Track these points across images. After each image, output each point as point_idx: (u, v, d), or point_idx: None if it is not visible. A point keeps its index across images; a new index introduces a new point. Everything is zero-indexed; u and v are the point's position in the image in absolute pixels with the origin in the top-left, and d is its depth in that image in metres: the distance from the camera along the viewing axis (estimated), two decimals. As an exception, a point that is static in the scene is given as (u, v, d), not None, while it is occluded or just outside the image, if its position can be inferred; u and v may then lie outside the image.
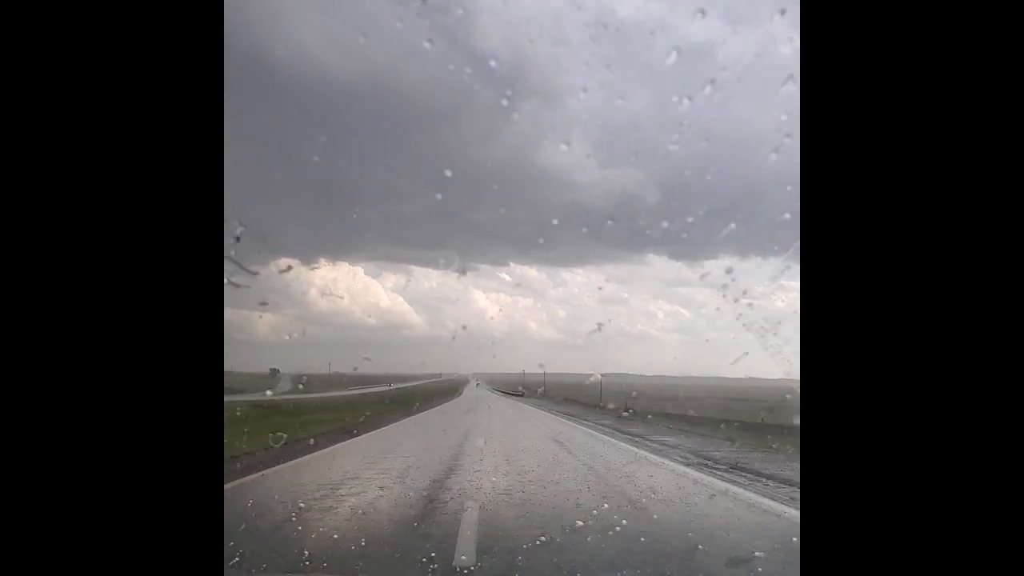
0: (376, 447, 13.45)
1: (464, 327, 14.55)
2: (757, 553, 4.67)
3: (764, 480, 8.50)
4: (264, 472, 8.74)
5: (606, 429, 18.45)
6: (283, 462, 10.03)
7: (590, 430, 18.54)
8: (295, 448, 11.94)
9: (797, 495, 5.81)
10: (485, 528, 5.43)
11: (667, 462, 10.69)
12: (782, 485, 7.98)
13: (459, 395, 56.18)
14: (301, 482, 8.21)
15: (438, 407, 34.46)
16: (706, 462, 10.55)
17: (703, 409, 26.77)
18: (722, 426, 16.78)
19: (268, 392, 39.20)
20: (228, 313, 1.61)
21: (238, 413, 16.69)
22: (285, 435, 13.06)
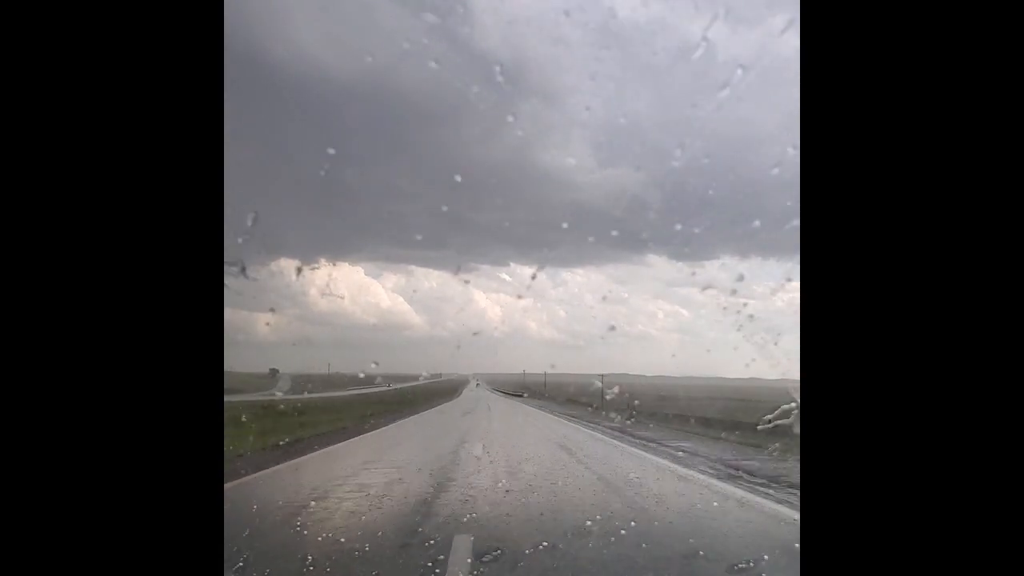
0: (360, 456, 11.91)
1: (475, 333, 13.41)
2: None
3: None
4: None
5: (615, 433, 16.92)
6: (246, 474, 8.54)
7: (599, 434, 17.00)
8: (265, 457, 10.46)
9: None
10: (481, 574, 3.96)
11: (695, 474, 9.16)
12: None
13: (458, 396, 54.89)
14: (253, 503, 6.69)
15: (436, 407, 33.63)
16: (739, 474, 9.02)
17: (711, 411, 25.43)
18: (737, 432, 15.22)
19: (272, 393, 37.79)
20: (228, 313, 1.58)
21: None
22: (251, 437, 11.59)
